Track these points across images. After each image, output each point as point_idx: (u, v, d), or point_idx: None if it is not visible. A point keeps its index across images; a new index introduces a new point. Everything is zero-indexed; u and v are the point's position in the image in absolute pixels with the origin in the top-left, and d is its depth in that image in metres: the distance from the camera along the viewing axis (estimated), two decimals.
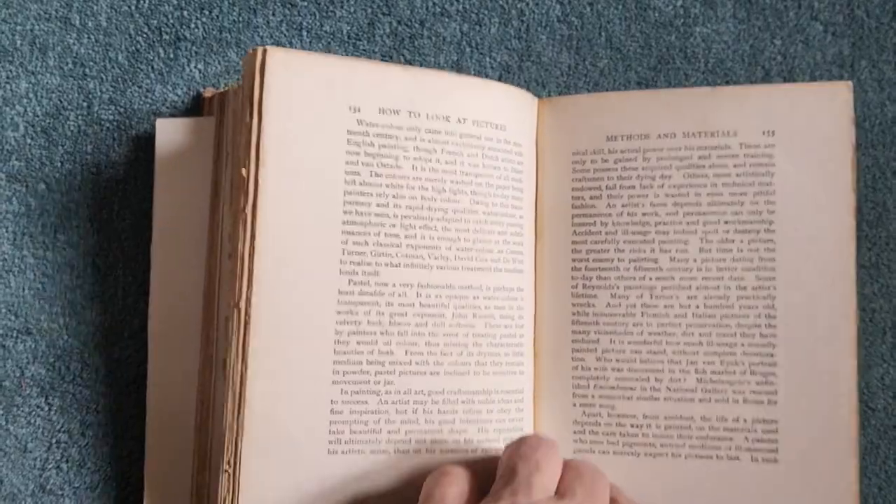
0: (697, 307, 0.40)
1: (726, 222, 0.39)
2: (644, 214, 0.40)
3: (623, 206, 0.41)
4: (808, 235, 0.39)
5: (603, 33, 0.45)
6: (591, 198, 0.41)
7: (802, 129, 0.39)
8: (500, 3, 0.45)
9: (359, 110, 0.37)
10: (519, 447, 0.34)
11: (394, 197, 0.38)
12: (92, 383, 0.41)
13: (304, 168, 0.37)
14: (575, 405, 0.41)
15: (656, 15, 0.46)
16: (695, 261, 0.40)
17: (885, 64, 0.46)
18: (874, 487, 0.43)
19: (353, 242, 0.37)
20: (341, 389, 0.36)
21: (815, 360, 0.39)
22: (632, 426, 0.40)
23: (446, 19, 0.45)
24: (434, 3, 0.45)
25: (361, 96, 0.37)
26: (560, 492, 0.33)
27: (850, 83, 0.40)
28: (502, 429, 0.39)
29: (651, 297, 0.40)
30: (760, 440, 0.38)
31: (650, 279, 0.40)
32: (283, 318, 0.36)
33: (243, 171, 0.36)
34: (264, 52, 0.36)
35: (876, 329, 0.44)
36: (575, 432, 0.40)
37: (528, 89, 0.44)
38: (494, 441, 0.38)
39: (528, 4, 0.45)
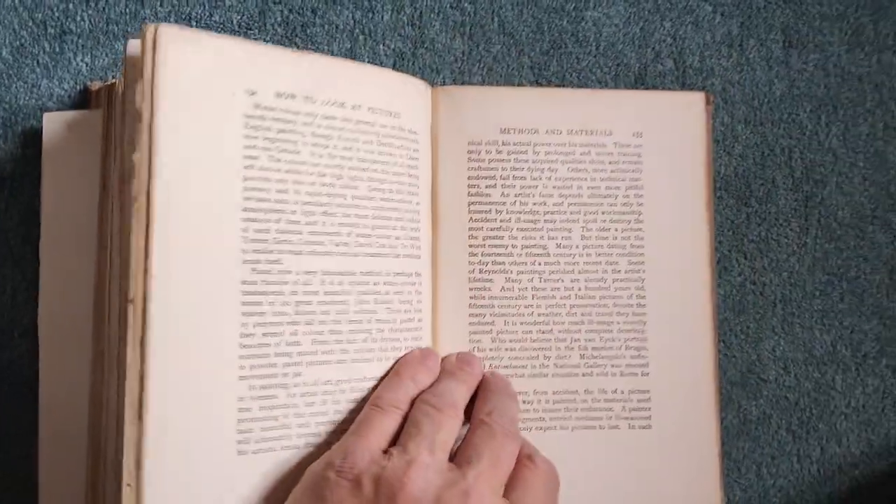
0: (580, 289, 0.43)
1: (603, 213, 0.43)
2: (534, 204, 0.43)
3: (516, 195, 0.43)
4: (670, 226, 0.43)
5: (496, 19, 0.46)
6: (487, 187, 0.43)
7: (665, 132, 0.44)
8: None
9: (255, 93, 0.36)
10: (425, 400, 0.36)
11: (294, 183, 0.37)
12: None
13: (201, 154, 0.35)
14: None
15: (548, 0, 0.46)
16: (577, 247, 0.43)
17: (773, 42, 0.47)
18: (767, 457, 0.44)
19: (254, 230, 0.36)
20: (249, 385, 0.35)
21: (679, 335, 0.43)
22: (524, 402, 0.41)
23: (339, 7, 0.45)
24: None
25: (258, 79, 0.36)
26: (464, 452, 0.35)
27: (704, 94, 0.44)
28: None
29: (541, 281, 0.42)
30: (636, 409, 0.42)
31: (540, 264, 0.43)
32: (184, 314, 0.34)
33: (135, 156, 0.33)
34: (156, 29, 0.34)
35: (766, 302, 0.45)
36: None
37: (422, 76, 0.45)
38: None
39: None
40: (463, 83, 0.46)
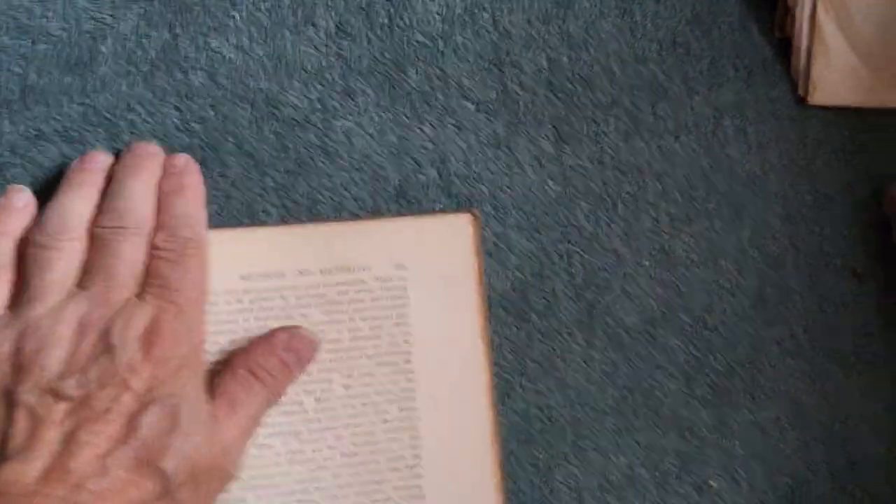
0: (345, 447, 0.39)
1: (368, 357, 0.39)
2: None
3: None
4: (442, 362, 0.40)
5: (230, 138, 0.41)
6: (229, 342, 0.38)
7: (430, 259, 0.40)
8: (107, 116, 0.40)
9: None
10: (33, 243, 0.34)
11: None
12: None
13: None
14: None
15: (290, 112, 0.42)
16: (339, 398, 0.39)
17: (543, 139, 0.44)
18: None
19: None
20: None
21: (460, 486, 0.39)
22: None
23: (43, 142, 0.40)
24: (27, 126, 0.40)
25: None
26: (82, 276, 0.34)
27: (472, 213, 0.41)
28: None
29: (298, 443, 0.39)
30: None
31: (296, 423, 0.38)
32: None
33: None
34: None
35: (555, 427, 0.42)
36: None
37: None
38: None
39: (139, 115, 0.41)
40: None
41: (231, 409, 0.34)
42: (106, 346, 0.32)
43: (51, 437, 0.30)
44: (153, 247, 0.35)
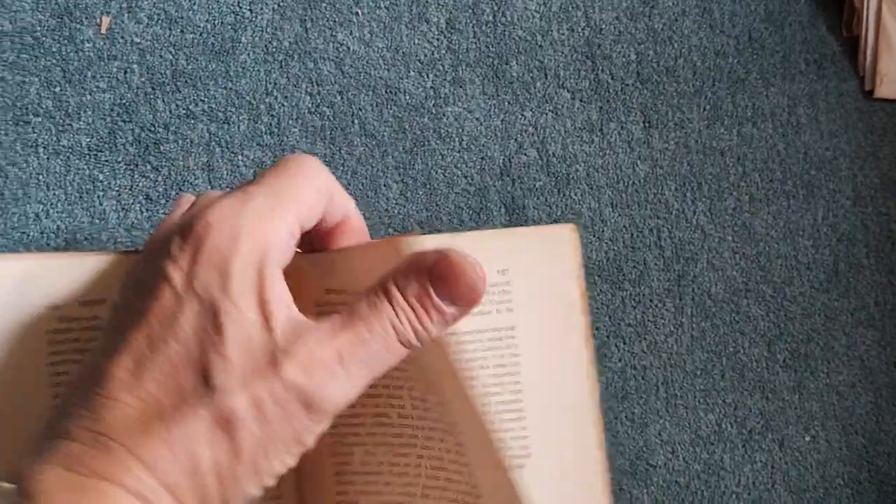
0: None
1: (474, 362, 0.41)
2: None
3: None
4: (549, 374, 0.41)
5: (356, 121, 0.46)
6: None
7: (533, 269, 0.41)
8: (248, 99, 0.46)
9: (59, 307, 0.36)
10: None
11: None
12: None
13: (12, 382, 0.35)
14: None
15: (407, 98, 0.47)
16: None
17: (632, 124, 0.49)
18: None
19: None
20: None
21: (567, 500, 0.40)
22: None
23: (192, 121, 0.45)
24: (178, 106, 0.45)
25: (61, 292, 0.36)
26: None
27: (573, 225, 0.42)
28: None
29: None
30: None
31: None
32: None
33: None
34: None
35: (648, 386, 0.46)
36: None
37: None
38: None
39: (276, 98, 0.46)
40: None
41: (339, 326, 0.26)
42: None
43: None
44: None
